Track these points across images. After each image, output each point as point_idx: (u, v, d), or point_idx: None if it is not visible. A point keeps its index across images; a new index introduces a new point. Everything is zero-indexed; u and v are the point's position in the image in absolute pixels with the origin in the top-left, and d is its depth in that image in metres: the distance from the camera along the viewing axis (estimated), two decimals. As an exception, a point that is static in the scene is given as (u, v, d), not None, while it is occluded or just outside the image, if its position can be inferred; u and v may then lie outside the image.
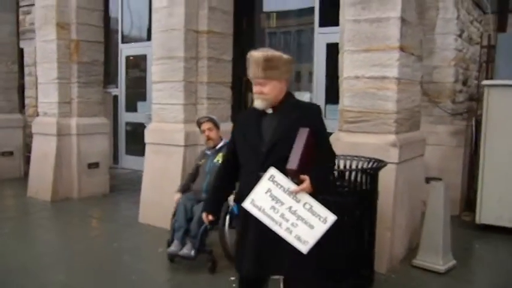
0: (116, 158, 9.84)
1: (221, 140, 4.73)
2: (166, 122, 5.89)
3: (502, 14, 7.96)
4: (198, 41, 5.81)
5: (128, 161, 9.61)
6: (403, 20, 4.29)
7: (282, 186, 2.54)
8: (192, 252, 4.24)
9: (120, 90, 9.72)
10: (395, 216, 4.32)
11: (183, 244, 4.33)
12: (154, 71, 6.04)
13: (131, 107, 9.57)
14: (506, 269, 4.71)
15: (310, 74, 7.70)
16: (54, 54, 7.07)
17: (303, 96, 7.64)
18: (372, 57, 4.37)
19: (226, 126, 5.72)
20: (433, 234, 4.37)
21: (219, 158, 4.50)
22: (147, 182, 6.02)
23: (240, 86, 9.02)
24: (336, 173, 3.77)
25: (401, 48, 4.30)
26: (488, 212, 5.67)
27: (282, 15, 8.74)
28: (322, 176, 2.68)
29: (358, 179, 3.80)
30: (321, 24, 7.40)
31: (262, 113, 2.67)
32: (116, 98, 9.85)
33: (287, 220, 2.55)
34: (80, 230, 5.79)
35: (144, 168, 6.09)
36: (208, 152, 4.75)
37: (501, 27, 7.93)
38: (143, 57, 9.22)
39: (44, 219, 6.32)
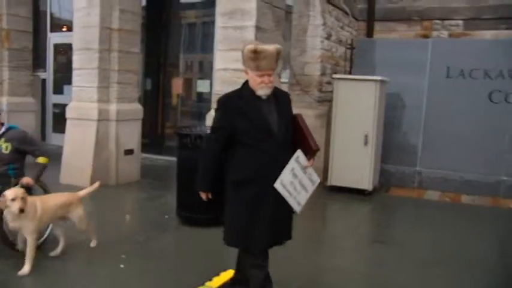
0: (43, 135, 10.97)
1: (2, 125, 4.52)
2: (84, 101, 7.20)
3: (369, 22, 9.75)
4: (111, 37, 7.15)
5: (55, 138, 10.75)
6: (258, 28, 5.86)
7: (301, 164, 2.97)
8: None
9: (48, 74, 10.86)
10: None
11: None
12: (75, 59, 7.34)
13: (58, 90, 10.72)
14: (342, 214, 6.43)
15: (211, 63, 9.04)
16: (-14, 42, 8.22)
17: (204, 83, 9.13)
18: (236, 55, 5.88)
19: (134, 106, 7.21)
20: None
21: (1, 144, 4.40)
22: (67, 150, 7.32)
23: (158, 72, 10.41)
24: (203, 136, 5.29)
25: (256, 49, 5.86)
26: (335, 176, 7.41)
27: (188, 6, 10.10)
28: None
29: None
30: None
31: (257, 98, 2.96)
32: (44, 81, 10.96)
33: (296, 190, 2.97)
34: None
35: (65, 139, 7.39)
36: None
37: (369, 32, 9.74)
38: (69, 46, 10.38)
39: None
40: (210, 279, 3.89)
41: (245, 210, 3.00)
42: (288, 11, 7.64)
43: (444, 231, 5.71)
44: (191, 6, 10.21)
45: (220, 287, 3.80)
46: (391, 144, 8.12)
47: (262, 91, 2.91)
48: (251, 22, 5.80)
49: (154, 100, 10.53)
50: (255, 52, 2.83)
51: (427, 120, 8.06)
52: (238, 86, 5.87)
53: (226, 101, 3.05)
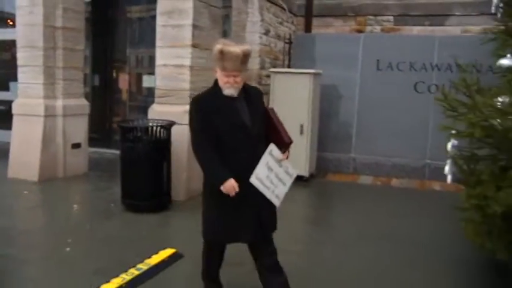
0: (-11, 132, 10.99)
1: None
2: (30, 97, 7.40)
3: (307, 17, 10.27)
4: (55, 35, 7.36)
5: (2, 135, 10.78)
6: (195, 26, 6.24)
7: (275, 158, 3.01)
8: None
9: (-9, 71, 10.89)
10: (191, 162, 6.26)
11: None
12: (19, 56, 7.52)
13: (3, 87, 10.76)
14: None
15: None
16: None
17: (150, 78, 9.42)
18: (175, 52, 6.30)
19: (80, 102, 7.46)
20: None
21: None
22: (15, 146, 7.50)
23: (105, 68, 10.63)
24: (143, 128, 5.66)
25: (194, 45, 6.26)
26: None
27: (134, 2, 10.28)
28: None
29: (158, 134, 5.72)
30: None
31: (229, 98, 2.98)
32: (-13, 77, 10.98)
33: (273, 184, 3.01)
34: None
35: (12, 135, 7.56)
36: None
37: (307, 27, 10.26)
38: (14, 42, 10.43)
39: None
40: (149, 257, 4.27)
41: (227, 207, 3.01)
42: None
43: (374, 212, 6.26)
44: (136, 1, 10.42)
45: (158, 263, 4.19)
46: (327, 133, 8.67)
47: (228, 91, 2.94)
48: (188, 21, 6.17)
49: (102, 96, 10.73)
50: (221, 53, 2.85)
51: (360, 110, 8.65)
52: (178, 82, 6.29)
53: (201, 102, 3.05)
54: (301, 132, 7.64)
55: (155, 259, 4.26)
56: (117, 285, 3.72)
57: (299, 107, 7.60)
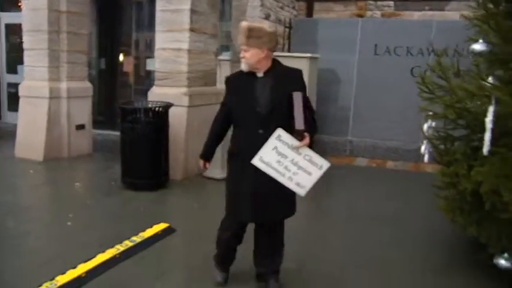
0: (-1, 114, 11.33)
1: None
2: (36, 80, 7.66)
3: (309, 2, 10.41)
4: (59, 19, 7.59)
5: (11, 117, 11.11)
6: (193, 11, 6.44)
7: (286, 143, 2.93)
8: None
9: (1, 54, 11.16)
10: (188, 143, 6.53)
11: None
12: (25, 40, 7.77)
13: (12, 70, 11.05)
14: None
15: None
16: None
17: (152, 62, 9.61)
18: (173, 36, 6.51)
19: (84, 84, 7.71)
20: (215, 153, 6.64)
21: None
22: (21, 127, 7.79)
23: (112, 52, 10.86)
24: (142, 109, 5.91)
25: (192, 30, 6.46)
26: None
27: None
28: (314, 130, 3.09)
29: (156, 115, 5.96)
30: None
31: (253, 76, 3.03)
32: (-3, 61, 11.27)
33: (289, 170, 2.96)
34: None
35: (19, 116, 7.85)
36: None
37: (309, 12, 10.42)
38: (21, 26, 10.69)
39: None
40: (144, 231, 4.54)
41: (230, 183, 3.21)
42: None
43: (365, 193, 6.48)
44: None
45: (151, 236, 4.46)
46: (325, 116, 8.86)
47: (242, 66, 3.03)
48: (187, 6, 6.37)
49: (108, 79, 10.98)
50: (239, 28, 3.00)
51: (357, 94, 8.84)
52: (176, 64, 6.51)
53: (226, 80, 3.23)
54: (298, 115, 7.82)
55: (149, 232, 4.53)
56: (112, 255, 3.98)
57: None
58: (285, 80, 3.03)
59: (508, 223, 3.50)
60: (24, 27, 7.71)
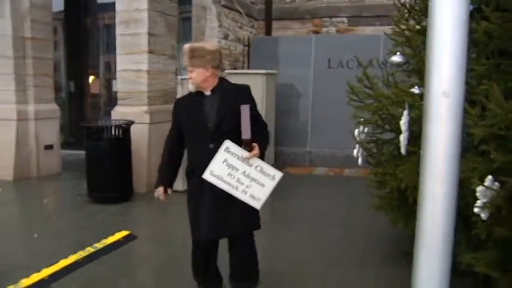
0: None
1: None
2: (3, 103, 7.95)
3: (267, 21, 10.92)
4: (24, 44, 7.94)
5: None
6: (150, 34, 6.86)
7: (236, 155, 2.95)
8: None
9: (-30, 80, 11.40)
10: (151, 157, 6.89)
11: None
12: (-9, 65, 8.08)
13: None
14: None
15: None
16: None
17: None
18: (133, 58, 6.92)
19: (51, 106, 8.03)
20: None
21: None
22: (-11, 149, 8.06)
23: (80, 74, 11.22)
24: (104, 127, 6.27)
25: (150, 51, 6.88)
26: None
27: (104, 8, 10.60)
28: (264, 141, 3.15)
29: (118, 133, 6.34)
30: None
31: (201, 95, 3.10)
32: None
33: (242, 183, 2.96)
34: None
35: (-13, 139, 8.12)
36: None
37: (268, 30, 10.91)
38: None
39: None
40: (106, 238, 4.89)
41: (191, 202, 3.20)
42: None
43: (316, 198, 6.92)
44: (106, 7, 10.93)
45: (113, 243, 4.81)
46: (285, 129, 9.33)
47: (190, 86, 3.11)
48: (144, 29, 6.79)
49: (78, 101, 11.32)
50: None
51: (314, 106, 9.34)
52: (136, 85, 6.92)
53: (176, 101, 3.35)
54: (257, 128, 8.27)
55: (110, 239, 4.88)
56: (74, 260, 4.33)
57: (254, 105, 8.24)
58: (233, 95, 3.08)
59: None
60: (-10, 53, 8.03)
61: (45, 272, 4.04)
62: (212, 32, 9.14)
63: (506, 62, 3.21)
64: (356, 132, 4.52)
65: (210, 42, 3.13)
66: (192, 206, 3.19)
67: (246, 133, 2.94)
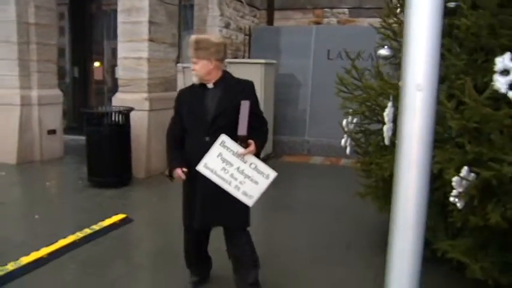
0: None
1: None
2: (7, 88, 8.13)
3: (269, 11, 11.04)
4: (28, 30, 8.10)
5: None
6: (151, 23, 7.00)
7: (231, 150, 2.93)
8: None
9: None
10: (150, 144, 7.08)
11: None
12: (-4, 50, 8.26)
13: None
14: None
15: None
16: None
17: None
18: (133, 46, 7.07)
19: (54, 92, 8.20)
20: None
21: None
22: (-6, 132, 8.27)
23: (84, 60, 11.40)
24: (104, 114, 6.45)
25: (150, 40, 7.03)
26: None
27: None
28: (262, 139, 3.15)
29: (118, 119, 6.51)
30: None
31: (204, 88, 3.10)
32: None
33: (236, 179, 2.96)
34: None
35: (-9, 122, 8.33)
36: None
37: (269, 20, 11.03)
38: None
39: None
40: (103, 220, 5.09)
41: (185, 191, 3.23)
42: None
43: (309, 187, 7.11)
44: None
45: (109, 225, 5.00)
46: (284, 118, 9.49)
47: (194, 78, 3.12)
48: (145, 18, 6.94)
49: (81, 86, 11.51)
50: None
51: (313, 96, 9.48)
52: (137, 72, 7.08)
53: (178, 94, 3.34)
54: (255, 117, 8.44)
55: (107, 222, 5.07)
56: (72, 240, 4.53)
57: (253, 94, 8.39)
58: (235, 90, 3.09)
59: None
60: (-4, 39, 8.20)
61: (44, 251, 4.23)
62: (214, 21, 9.27)
63: (482, 57, 3.34)
64: (344, 122, 4.66)
65: (216, 35, 3.02)
66: (186, 195, 3.24)
67: (242, 129, 2.92)
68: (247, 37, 10.15)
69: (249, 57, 9.95)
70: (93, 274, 3.96)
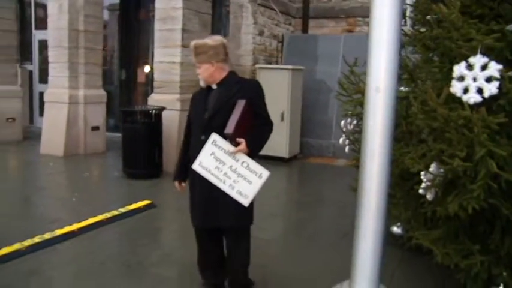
0: (31, 118, 12.82)
1: None
2: (58, 87, 9.03)
3: (304, 19, 11.55)
4: (78, 36, 8.96)
5: (41, 121, 12.55)
6: (184, 30, 7.68)
7: (223, 149, 2.93)
8: None
9: (34, 66, 12.69)
10: (180, 141, 7.70)
11: None
12: (50, 54, 9.17)
13: (44, 80, 12.50)
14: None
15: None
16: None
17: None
18: (168, 51, 7.77)
19: (99, 92, 9.02)
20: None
21: None
22: (45, 127, 9.17)
23: (131, 63, 12.26)
24: (139, 112, 7.17)
25: (184, 46, 7.70)
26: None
27: None
28: (257, 139, 3.09)
29: (151, 117, 7.21)
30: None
31: (209, 89, 3.16)
32: (31, 72, 12.79)
33: (230, 178, 2.95)
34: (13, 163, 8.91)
35: (43, 118, 9.24)
36: None
37: (304, 28, 11.54)
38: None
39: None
40: (129, 204, 5.76)
41: (189, 189, 3.29)
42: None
43: (330, 186, 7.57)
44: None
45: (135, 209, 5.66)
46: (312, 122, 9.98)
47: (200, 82, 3.20)
48: (179, 26, 7.62)
49: (128, 88, 12.38)
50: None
51: (340, 102, 9.89)
52: (171, 75, 7.77)
53: (192, 95, 3.42)
54: (282, 119, 8.98)
55: (133, 206, 5.74)
56: (100, 219, 5.21)
57: (280, 97, 8.94)
58: (233, 90, 3.09)
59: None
60: (50, 44, 9.11)
61: (76, 226, 4.93)
62: (248, 28, 9.88)
63: (448, 65, 3.76)
64: (342, 123, 5.12)
65: (214, 37, 3.23)
66: (190, 193, 3.29)
67: (229, 127, 2.92)
68: (280, 44, 10.70)
69: (282, 63, 10.49)
70: (114, 246, 4.64)
